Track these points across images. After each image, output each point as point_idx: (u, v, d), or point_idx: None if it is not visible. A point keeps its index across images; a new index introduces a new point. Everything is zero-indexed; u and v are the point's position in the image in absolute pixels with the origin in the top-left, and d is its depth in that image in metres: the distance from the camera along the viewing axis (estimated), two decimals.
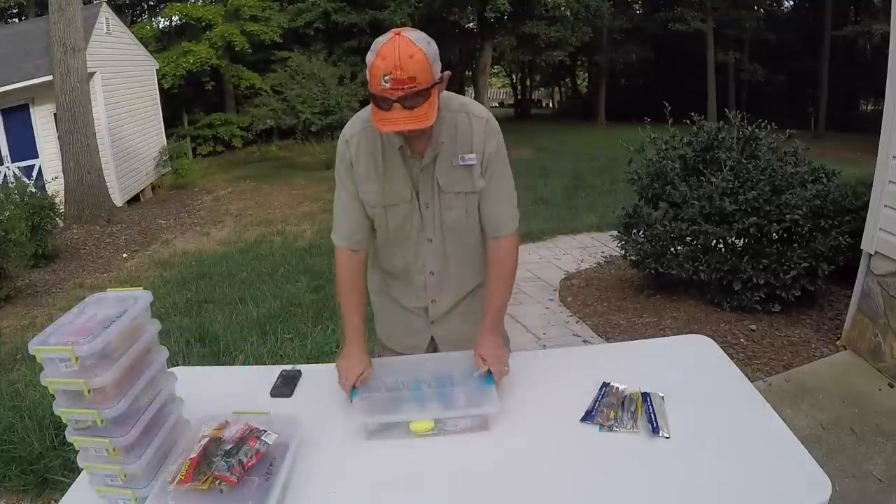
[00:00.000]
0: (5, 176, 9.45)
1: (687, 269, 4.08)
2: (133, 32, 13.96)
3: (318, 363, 1.67)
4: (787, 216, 3.73)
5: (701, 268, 4.02)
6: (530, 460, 1.31)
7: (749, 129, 4.16)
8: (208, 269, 6.32)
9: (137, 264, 7.17)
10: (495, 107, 32.09)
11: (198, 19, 16.82)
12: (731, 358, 1.70)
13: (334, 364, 1.58)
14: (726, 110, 4.41)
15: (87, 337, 1.12)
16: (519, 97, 31.68)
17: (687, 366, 1.64)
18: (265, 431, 1.28)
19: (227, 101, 18.46)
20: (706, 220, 3.94)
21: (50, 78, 8.89)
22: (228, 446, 1.22)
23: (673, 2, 21.19)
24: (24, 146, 9.76)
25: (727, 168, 3.97)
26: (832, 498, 1.16)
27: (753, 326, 3.82)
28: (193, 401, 1.42)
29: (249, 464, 1.20)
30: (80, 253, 7.74)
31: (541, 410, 1.47)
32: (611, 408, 1.44)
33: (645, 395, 1.47)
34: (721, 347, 1.73)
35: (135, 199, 11.60)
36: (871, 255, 3.36)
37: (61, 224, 8.35)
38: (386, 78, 1.29)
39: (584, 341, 3.92)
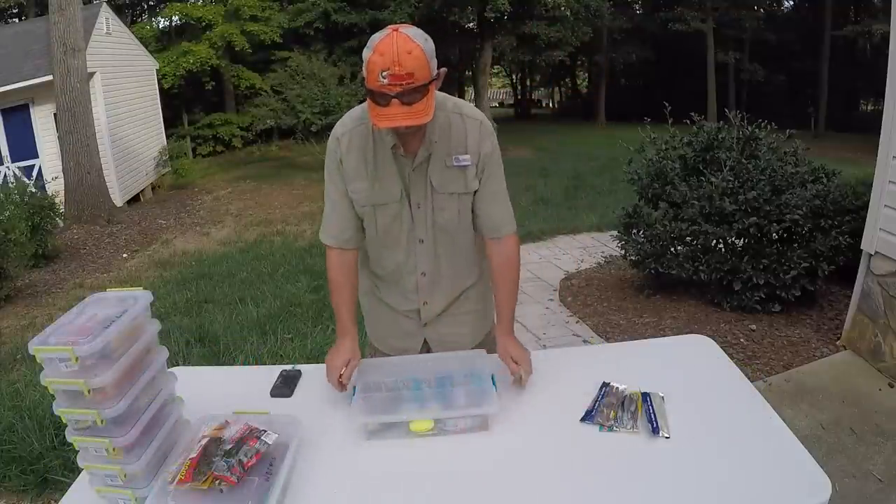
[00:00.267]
0: (5, 176, 9.45)
1: (687, 269, 4.08)
2: (133, 32, 13.96)
3: (318, 363, 1.67)
4: (787, 216, 3.73)
5: (701, 268, 4.02)
6: (530, 460, 1.31)
7: (749, 129, 4.16)
8: (208, 269, 6.32)
9: (137, 264, 7.17)
10: (495, 107, 32.09)
11: (198, 19, 16.81)
12: (731, 358, 1.70)
13: None
14: (726, 110, 4.41)
15: (87, 337, 1.12)
16: (519, 97, 31.69)
17: (687, 366, 1.64)
18: (265, 431, 1.28)
19: (227, 101, 18.46)
20: (706, 220, 3.94)
21: (50, 78, 8.89)
22: (228, 446, 1.22)
23: (673, 2, 21.19)
24: (24, 146, 9.76)
25: (727, 168, 3.97)
26: (832, 498, 1.16)
27: (753, 326, 3.82)
28: (193, 401, 1.42)
29: (249, 464, 1.20)
30: (80, 253, 7.74)
31: (541, 410, 1.47)
32: (611, 408, 1.44)
33: (645, 395, 1.47)
34: (721, 347, 1.73)
35: (135, 199, 11.60)
36: (871, 255, 3.36)
37: (61, 224, 8.36)
38: (384, 74, 1.29)
39: (584, 341, 3.92)
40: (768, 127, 4.21)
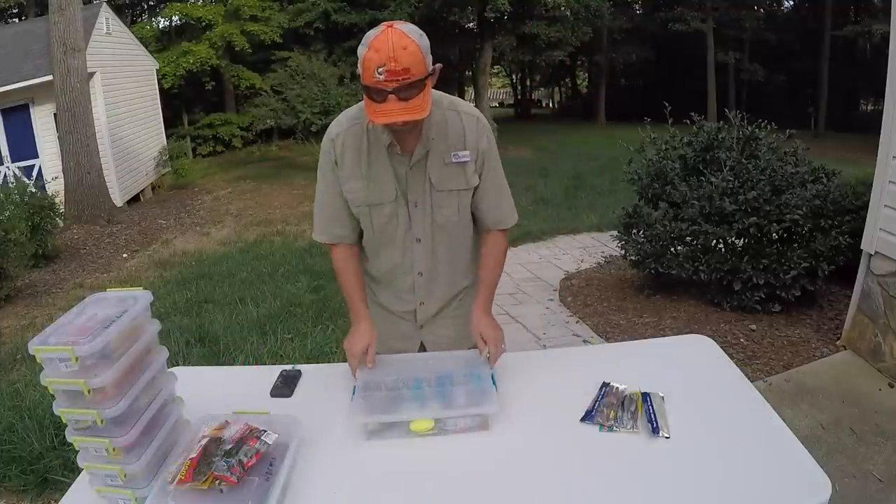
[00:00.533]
0: (5, 176, 9.44)
1: (687, 269, 4.08)
2: (133, 32, 13.96)
3: (318, 363, 1.67)
4: (787, 216, 3.73)
5: (701, 268, 4.02)
6: (530, 460, 1.31)
7: (749, 129, 4.16)
8: (208, 269, 6.32)
9: (137, 264, 7.17)
10: (495, 107, 32.08)
11: (198, 19, 16.81)
12: (731, 358, 1.70)
13: (334, 364, 1.58)
14: (726, 110, 4.41)
15: (87, 337, 1.12)
16: (519, 97, 31.69)
17: (687, 366, 1.64)
18: (265, 431, 1.28)
19: (227, 101, 18.45)
20: (706, 220, 3.94)
21: (50, 78, 8.89)
22: (228, 446, 1.22)
23: (673, 2, 21.19)
24: (24, 146, 9.76)
25: (727, 168, 3.97)
26: (832, 498, 1.16)
27: (753, 326, 3.82)
28: (193, 401, 1.42)
29: (249, 464, 1.20)
30: (80, 253, 7.74)
31: (541, 410, 1.47)
32: (611, 408, 1.44)
33: (645, 395, 1.47)
34: (721, 347, 1.73)
35: (135, 199, 11.59)
36: (871, 255, 3.36)
37: (61, 224, 8.35)
38: (380, 70, 1.29)
39: (584, 341, 3.92)
40: (768, 127, 4.21)
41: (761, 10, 22.40)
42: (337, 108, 12.99)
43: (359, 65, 1.35)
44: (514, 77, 32.19)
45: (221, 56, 16.66)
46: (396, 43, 1.29)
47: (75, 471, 1.29)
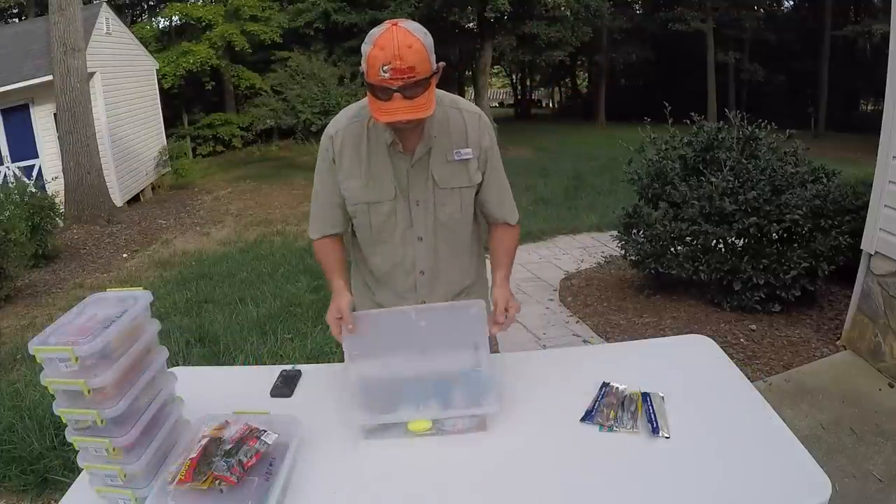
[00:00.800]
0: (5, 176, 9.44)
1: (687, 269, 4.08)
2: (133, 32, 13.96)
3: (318, 363, 1.67)
4: (787, 216, 3.73)
5: (701, 268, 4.02)
6: (530, 460, 1.31)
7: (749, 129, 4.16)
8: (208, 269, 6.32)
9: (137, 264, 7.17)
10: (495, 107, 32.09)
11: (198, 19, 16.82)
12: (731, 358, 1.69)
13: (334, 364, 1.57)
14: (726, 110, 4.41)
15: (87, 337, 1.12)
16: (519, 97, 31.69)
17: (687, 366, 1.64)
18: (265, 431, 1.28)
19: (227, 101, 18.46)
20: (706, 220, 3.94)
21: (50, 78, 8.89)
22: (228, 446, 1.22)
23: (673, 2, 21.20)
24: (24, 146, 9.76)
25: (727, 168, 3.97)
26: (832, 498, 1.16)
27: (753, 326, 3.82)
28: (193, 401, 1.42)
29: (249, 464, 1.20)
30: (80, 253, 7.74)
31: (541, 410, 1.47)
32: (611, 408, 1.44)
33: (645, 395, 1.47)
34: (721, 347, 1.73)
35: (135, 199, 11.59)
36: (871, 255, 3.36)
37: (61, 224, 8.36)
38: (385, 68, 1.29)
39: (584, 341, 3.92)
40: (768, 127, 4.21)
41: (761, 10, 22.41)
42: (337, 108, 12.93)
43: (363, 62, 1.35)
44: (514, 77, 32.20)
45: (221, 56, 16.67)
46: (402, 41, 1.29)
47: (75, 471, 1.29)
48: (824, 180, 3.96)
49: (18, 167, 9.61)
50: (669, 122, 4.47)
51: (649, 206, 4.31)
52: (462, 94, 26.09)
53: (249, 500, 1.14)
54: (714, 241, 3.99)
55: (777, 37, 21.42)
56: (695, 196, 4.00)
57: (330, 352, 3.67)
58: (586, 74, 30.58)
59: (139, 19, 20.65)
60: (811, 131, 17.55)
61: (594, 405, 1.46)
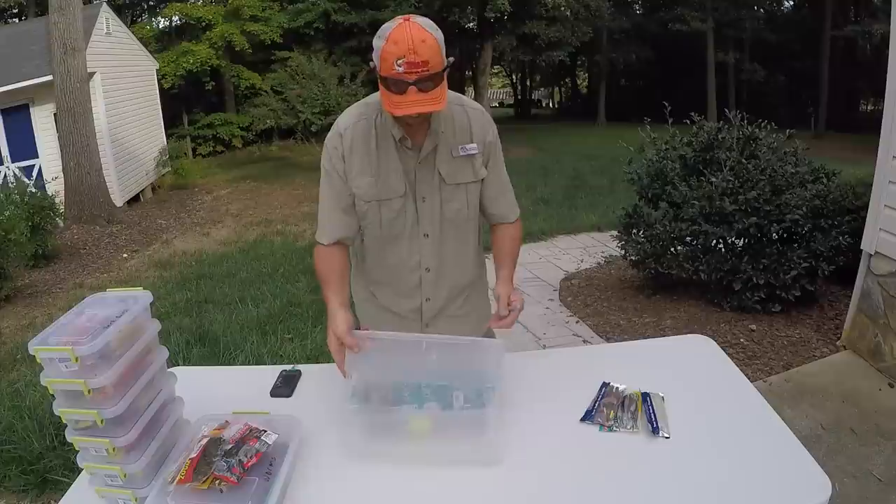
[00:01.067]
0: (5, 176, 9.43)
1: (687, 269, 4.08)
2: (133, 32, 13.95)
3: (318, 363, 1.66)
4: (787, 216, 3.73)
5: (701, 268, 4.02)
6: (530, 460, 1.31)
7: (749, 129, 4.16)
8: (208, 269, 6.32)
9: (137, 264, 7.17)
10: (495, 107, 32.08)
11: (198, 19, 16.82)
12: (731, 358, 1.69)
13: (334, 364, 1.56)
14: (726, 110, 4.41)
15: (87, 337, 1.12)
16: (519, 97, 31.67)
17: (687, 366, 1.64)
18: (265, 431, 1.28)
19: (227, 101, 18.45)
20: (706, 220, 3.94)
21: (50, 78, 8.89)
22: (228, 446, 1.22)
23: (673, 2, 21.19)
24: (24, 146, 9.75)
25: (727, 168, 3.97)
26: (832, 498, 1.16)
27: (753, 326, 3.82)
28: (193, 401, 1.42)
29: (249, 464, 1.19)
30: (80, 253, 7.74)
31: (541, 410, 1.47)
32: (611, 408, 1.44)
33: (645, 395, 1.47)
34: (721, 347, 1.73)
35: (135, 199, 11.59)
36: (871, 255, 3.36)
37: (61, 224, 8.36)
38: (399, 61, 1.29)
39: (585, 341, 3.92)
40: (768, 127, 4.21)
41: (761, 10, 22.41)
42: (337, 108, 13.00)
43: (375, 57, 1.35)
44: (514, 77, 32.18)
45: (221, 56, 16.66)
46: (416, 36, 1.30)
47: (75, 471, 1.29)
48: (824, 180, 3.96)
49: (18, 167, 9.61)
50: (669, 122, 4.47)
51: (649, 206, 4.31)
52: (462, 93, 26.11)
53: (249, 500, 1.14)
54: (714, 241, 3.99)
55: (777, 37, 21.41)
56: (695, 196, 4.00)
57: (330, 352, 3.67)
58: (586, 74, 30.58)
59: (139, 19, 20.64)
60: (811, 131, 17.54)
61: (594, 405, 1.46)
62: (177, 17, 17.93)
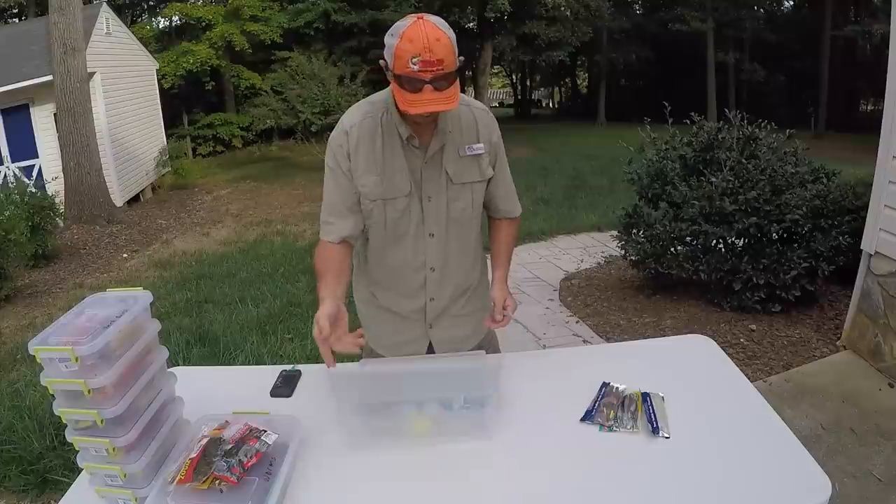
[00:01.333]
0: (5, 176, 9.44)
1: (687, 269, 4.08)
2: (133, 32, 13.95)
3: (318, 363, 1.66)
4: (787, 216, 3.73)
5: (701, 268, 4.02)
6: (530, 460, 1.31)
7: (749, 129, 4.16)
8: (208, 269, 6.32)
9: (137, 264, 7.17)
10: (495, 107, 32.08)
11: (198, 19, 16.83)
12: (731, 358, 1.69)
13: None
14: (726, 110, 4.41)
15: (87, 337, 1.12)
16: (519, 97, 31.68)
17: (687, 366, 1.64)
18: (265, 431, 1.28)
19: (227, 101, 18.46)
20: (706, 220, 3.94)
21: (50, 78, 8.89)
22: (228, 446, 1.22)
23: (673, 2, 21.20)
24: (24, 146, 9.75)
25: (727, 168, 3.97)
26: (832, 498, 1.16)
27: (753, 326, 3.82)
28: (193, 401, 1.42)
29: (249, 464, 1.19)
30: (80, 253, 7.74)
31: (541, 410, 1.47)
32: (611, 408, 1.44)
33: (645, 395, 1.47)
34: (721, 347, 1.73)
35: (135, 200, 11.59)
36: (871, 255, 3.36)
37: (61, 224, 8.36)
38: (414, 60, 1.30)
39: (585, 341, 3.92)
40: (768, 127, 4.21)
41: (761, 10, 22.42)
42: (337, 108, 13.01)
43: (387, 55, 1.35)
44: (514, 77, 32.18)
45: (221, 56, 16.67)
46: (430, 34, 1.30)
47: (75, 471, 1.29)
48: (824, 180, 3.96)
49: (18, 167, 9.61)
50: (669, 122, 4.47)
51: (649, 206, 4.31)
52: (463, 93, 26.12)
53: (249, 500, 1.14)
54: (714, 241, 3.99)
55: (777, 37, 21.42)
56: (695, 196, 4.00)
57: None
58: (586, 74, 30.58)
59: (139, 19, 20.65)
60: (811, 131, 17.54)
61: (594, 405, 1.46)
62: (177, 17, 17.94)
